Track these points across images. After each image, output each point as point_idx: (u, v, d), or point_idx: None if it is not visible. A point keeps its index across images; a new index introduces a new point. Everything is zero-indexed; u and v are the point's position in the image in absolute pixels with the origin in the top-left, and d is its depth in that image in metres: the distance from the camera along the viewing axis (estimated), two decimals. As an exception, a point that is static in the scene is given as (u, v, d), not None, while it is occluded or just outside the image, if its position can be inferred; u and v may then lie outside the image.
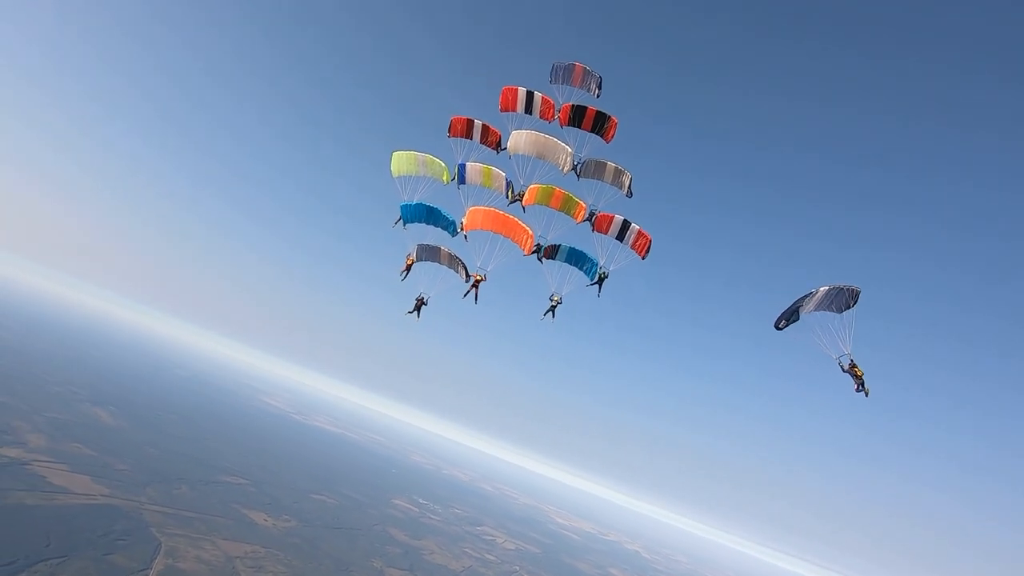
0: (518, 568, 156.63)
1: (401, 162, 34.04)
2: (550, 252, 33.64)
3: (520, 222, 33.01)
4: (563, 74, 32.75)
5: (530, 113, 33.63)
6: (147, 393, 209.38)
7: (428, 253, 35.08)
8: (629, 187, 31.92)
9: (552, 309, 34.43)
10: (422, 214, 34.51)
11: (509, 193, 33.66)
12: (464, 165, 33.79)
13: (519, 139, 33.30)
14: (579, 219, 32.88)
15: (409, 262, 35.23)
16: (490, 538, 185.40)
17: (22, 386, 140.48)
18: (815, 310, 25.44)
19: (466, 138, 34.29)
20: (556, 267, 34.10)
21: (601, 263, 33.38)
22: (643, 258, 32.82)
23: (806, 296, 25.28)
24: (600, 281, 33.50)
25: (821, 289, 24.90)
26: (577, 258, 33.73)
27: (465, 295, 34.59)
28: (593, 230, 32.95)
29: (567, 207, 32.86)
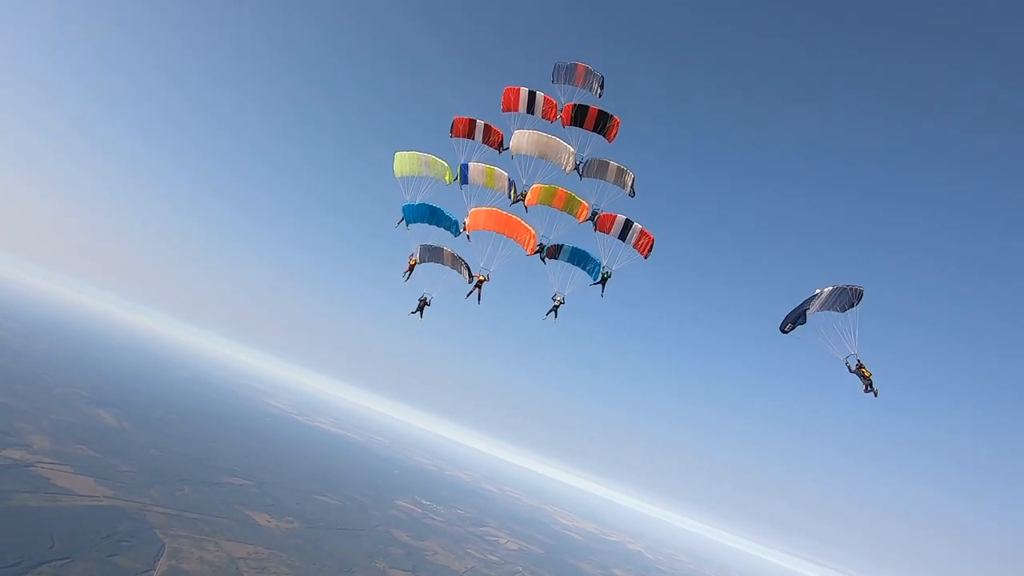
0: (521, 568, 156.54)
1: (404, 162, 34.04)
2: (553, 252, 33.64)
3: (523, 222, 33.01)
4: (565, 74, 32.74)
5: (532, 113, 33.62)
6: (148, 394, 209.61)
7: (431, 253, 35.06)
8: (631, 187, 31.93)
9: (555, 309, 34.45)
10: (424, 214, 34.52)
11: (511, 193, 33.65)
12: (466, 165, 33.79)
13: (521, 139, 33.29)
14: (581, 219, 32.88)
15: (412, 262, 35.25)
16: (493, 539, 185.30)
17: (24, 387, 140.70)
18: (819, 310, 25.40)
19: (468, 138, 34.30)
20: (559, 267, 34.12)
21: (604, 263, 33.38)
22: (645, 257, 32.88)
23: (811, 298, 25.22)
24: (603, 281, 33.50)
25: (825, 289, 24.86)
26: (580, 258, 33.70)
27: (468, 295, 34.61)
28: (595, 230, 32.94)
29: (570, 207, 32.85)
